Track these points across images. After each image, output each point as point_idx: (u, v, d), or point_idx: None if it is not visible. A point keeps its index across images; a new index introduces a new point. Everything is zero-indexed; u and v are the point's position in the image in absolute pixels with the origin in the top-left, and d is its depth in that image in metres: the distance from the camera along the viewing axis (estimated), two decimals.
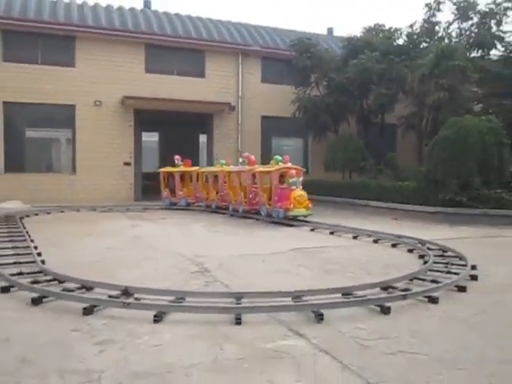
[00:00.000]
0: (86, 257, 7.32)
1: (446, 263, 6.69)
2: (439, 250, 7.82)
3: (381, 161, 18.22)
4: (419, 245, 8.29)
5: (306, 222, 11.85)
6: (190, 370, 3.24)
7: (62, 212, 14.79)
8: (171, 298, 4.67)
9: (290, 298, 4.75)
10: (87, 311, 4.39)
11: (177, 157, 17.16)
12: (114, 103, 18.21)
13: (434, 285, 5.35)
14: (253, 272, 6.41)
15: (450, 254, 7.45)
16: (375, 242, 9.09)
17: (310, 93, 19.49)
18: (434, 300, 4.95)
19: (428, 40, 20.01)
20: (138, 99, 18.04)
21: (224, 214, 14.49)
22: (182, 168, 16.89)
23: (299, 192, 11.81)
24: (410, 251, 8.08)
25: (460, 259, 7.01)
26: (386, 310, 4.56)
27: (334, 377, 3.20)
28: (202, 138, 27.35)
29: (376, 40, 19.34)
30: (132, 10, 20.50)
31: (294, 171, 11.97)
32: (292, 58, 19.30)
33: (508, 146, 12.62)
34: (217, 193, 15.13)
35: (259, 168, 13.13)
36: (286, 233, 10.51)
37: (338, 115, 19.36)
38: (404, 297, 4.86)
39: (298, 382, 3.10)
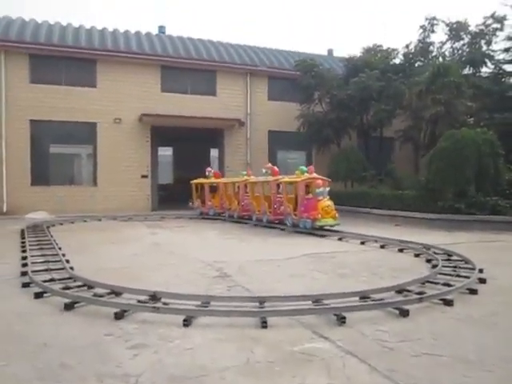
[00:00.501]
0: (111, 263, 7.20)
1: (454, 267, 6.51)
2: (444, 254, 7.65)
3: (381, 171, 18.08)
4: (424, 249, 8.13)
5: (318, 230, 11.70)
6: (224, 373, 3.09)
7: (85, 221, 14.69)
8: (197, 302, 4.54)
9: (311, 302, 4.60)
10: (118, 316, 4.25)
11: (208, 169, 16.83)
12: (133, 120, 18.21)
13: (447, 288, 5.18)
14: (271, 276, 6.26)
15: (455, 258, 7.28)
16: (382, 247, 8.91)
17: (313, 109, 19.43)
18: (448, 302, 4.79)
19: (422, 59, 19.96)
20: (154, 116, 18.02)
21: (246, 223, 13.86)
22: (211, 179, 16.46)
23: (326, 202, 11.21)
24: (417, 256, 7.91)
25: (466, 263, 6.84)
26: (404, 313, 4.40)
27: (365, 379, 3.04)
28: (213, 152, 27.39)
29: (374, 59, 19.29)
30: (148, 34, 20.59)
31: (320, 181, 11.44)
32: (296, 77, 19.31)
33: (502, 156, 12.47)
34: (238, 203, 14.62)
35: (285, 178, 12.50)
36: (303, 240, 10.28)
37: (340, 129, 19.26)
38: (420, 300, 4.69)
39: None
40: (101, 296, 4.85)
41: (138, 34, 20.31)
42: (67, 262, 6.87)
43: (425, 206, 12.82)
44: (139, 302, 4.58)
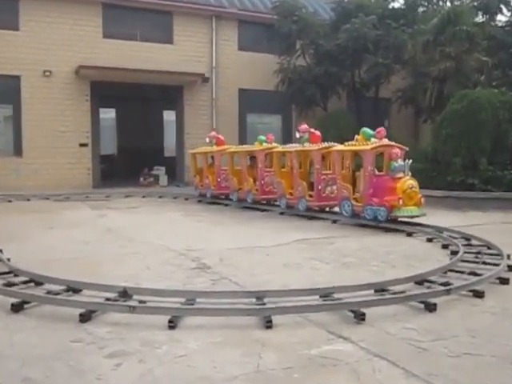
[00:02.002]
0: (57, 253, 7.07)
1: (477, 253, 6.74)
2: (462, 238, 7.90)
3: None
4: (437, 233, 8.36)
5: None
6: (234, 383, 3.10)
7: (10, 202, 14.29)
8: (181, 299, 4.52)
9: (318, 296, 4.67)
10: (85, 317, 4.18)
11: (212, 133, 15.16)
12: (67, 73, 17.69)
13: (476, 277, 5.36)
14: (261, 267, 6.31)
15: (475, 242, 7.53)
16: (387, 230, 9.11)
17: (294, 62, 19.41)
18: (479, 294, 4.95)
19: (427, 4, 20.18)
20: (94, 69, 17.56)
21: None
22: (212, 148, 14.67)
23: (410, 181, 9.31)
24: (430, 240, 8.13)
25: (489, 248, 7.08)
26: (431, 307, 4.53)
27: None
28: (167, 115, 27.05)
29: (370, 2, 19.35)
30: None
31: (397, 150, 9.51)
32: (274, 22, 19.18)
33: None
34: (254, 181, 12.85)
35: (337, 146, 10.68)
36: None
37: (327, 88, 19.40)
38: (448, 291, 4.84)
39: None
40: (56, 294, 4.74)
41: None
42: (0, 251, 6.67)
43: (430, 181, 13.12)
44: (108, 300, 4.51)
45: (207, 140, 14.79)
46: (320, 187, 10.95)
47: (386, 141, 9.86)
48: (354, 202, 9.94)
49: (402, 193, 9.18)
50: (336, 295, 4.66)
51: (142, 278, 5.58)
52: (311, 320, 4.25)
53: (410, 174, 9.40)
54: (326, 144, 11.05)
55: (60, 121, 17.57)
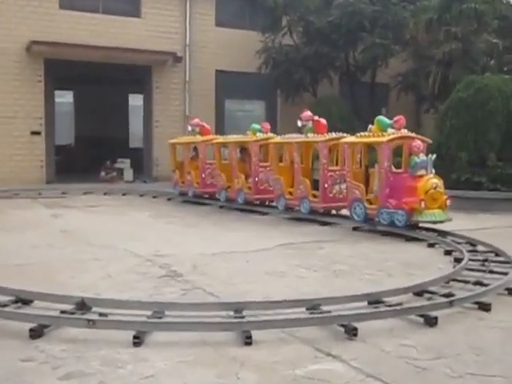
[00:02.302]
0: (4, 258, 7.05)
1: (484, 260, 6.85)
2: (467, 243, 8.02)
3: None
4: (440, 238, 8.49)
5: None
6: None
7: None
8: (147, 312, 4.53)
9: (304, 309, 4.71)
10: (36, 333, 4.17)
11: (195, 120, 14.69)
12: (17, 50, 17.53)
13: (482, 288, 5.45)
14: (240, 275, 6.35)
15: (481, 248, 7.66)
16: (384, 234, 9.22)
17: (280, 41, 19.45)
18: (485, 307, 5.05)
19: None
20: (49, 45, 17.45)
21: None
22: (196, 138, 14.23)
23: (433, 180, 8.99)
24: (431, 246, 8.25)
25: (497, 255, 7.21)
26: (431, 321, 4.60)
27: None
28: (133, 100, 26.95)
29: None
30: None
31: (419, 143, 9.18)
32: None
33: None
34: (247, 178, 12.48)
35: (347, 137, 10.43)
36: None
37: (318, 71, 19.52)
38: (451, 303, 4.92)
39: None
40: (3, 306, 4.71)
41: None
42: None
43: None
44: (63, 313, 4.51)
45: (189, 128, 14.56)
46: (326, 186, 10.58)
47: (405, 132, 9.56)
48: (367, 205, 9.61)
49: (425, 194, 8.84)
50: (324, 307, 4.70)
51: (103, 288, 5.58)
52: (296, 336, 4.28)
53: (433, 171, 9.09)
54: (333, 135, 10.79)
55: (8, 105, 17.38)
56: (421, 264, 7.08)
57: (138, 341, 4.05)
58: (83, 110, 26.24)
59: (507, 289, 5.65)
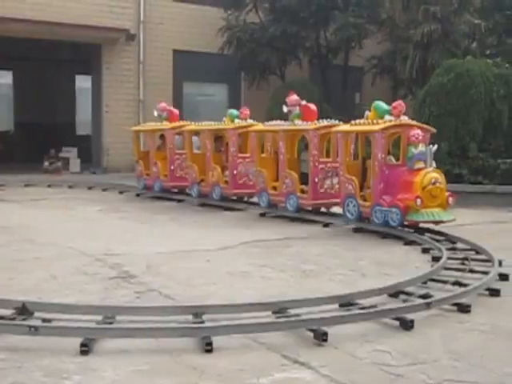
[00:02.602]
0: None
1: (463, 259, 7.00)
2: (446, 240, 8.19)
3: (345, 116, 18.63)
4: (417, 235, 8.63)
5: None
6: None
7: None
8: (97, 317, 4.51)
9: (270, 312, 4.75)
10: None
11: (162, 105, 14.22)
12: None
13: (461, 288, 5.57)
14: (199, 276, 6.36)
15: (461, 246, 7.83)
16: (356, 231, 9.33)
17: (245, 19, 19.44)
18: (465, 309, 5.16)
19: None
20: None
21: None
22: (164, 125, 13.87)
23: (432, 174, 8.71)
24: (408, 244, 8.38)
25: (478, 253, 7.38)
26: (407, 325, 4.69)
27: None
28: (80, 82, 26.61)
29: None
30: None
31: (419, 132, 8.85)
32: None
33: None
34: (223, 171, 12.22)
35: (340, 125, 10.28)
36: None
37: (286, 52, 19.57)
38: (428, 305, 5.01)
39: None
40: None
41: None
42: None
43: None
44: (1, 318, 4.45)
45: (155, 114, 14.03)
46: (317, 180, 10.25)
47: (404, 119, 9.27)
48: (360, 201, 9.32)
49: (422, 190, 8.54)
50: (292, 311, 4.75)
51: (47, 291, 5.55)
52: (261, 342, 4.31)
53: (434, 164, 8.87)
54: (324, 122, 10.54)
55: None
56: (396, 263, 7.21)
57: (85, 349, 4.02)
58: (24, 93, 25.77)
59: (488, 289, 5.81)
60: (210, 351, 4.09)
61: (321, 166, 10.31)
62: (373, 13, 18.24)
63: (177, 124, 13.56)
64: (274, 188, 10.95)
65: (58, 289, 5.68)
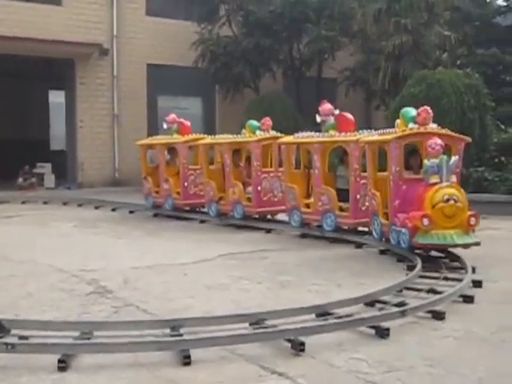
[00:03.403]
0: None
1: (438, 267, 7.11)
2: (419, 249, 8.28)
3: (318, 128, 18.79)
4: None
5: None
6: None
7: None
8: (74, 333, 4.50)
9: (248, 324, 4.78)
10: None
11: (171, 116, 13.26)
12: None
13: (435, 296, 5.66)
14: (177, 289, 6.37)
15: (436, 254, 7.93)
16: (333, 241, 9.40)
17: (218, 32, 19.55)
18: (439, 316, 5.25)
19: None
20: None
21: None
22: (175, 138, 12.89)
23: (447, 190, 7.46)
24: (383, 252, 8.46)
25: (452, 261, 7.50)
26: (383, 333, 4.74)
27: None
28: (54, 97, 26.45)
29: None
30: None
31: (436, 141, 7.53)
32: None
33: (491, 110, 13.66)
34: (245, 187, 11.23)
35: (368, 135, 9.12)
36: None
37: (259, 65, 19.70)
38: (403, 313, 5.09)
39: None
40: None
41: None
42: None
43: None
44: None
45: (164, 126, 13.22)
46: (359, 197, 9.35)
47: (433, 127, 8.19)
48: (382, 220, 8.39)
49: (431, 208, 7.44)
50: (269, 322, 4.78)
51: (23, 308, 5.53)
52: (239, 353, 4.33)
53: (453, 178, 7.63)
54: (362, 133, 9.40)
55: None
56: (372, 273, 7.26)
57: (63, 365, 4.02)
58: None
59: (462, 296, 5.90)
60: (188, 364, 4.10)
61: (362, 181, 9.27)
62: (345, 25, 18.48)
63: (190, 137, 12.61)
64: (307, 206, 10.04)
65: (34, 306, 5.66)
